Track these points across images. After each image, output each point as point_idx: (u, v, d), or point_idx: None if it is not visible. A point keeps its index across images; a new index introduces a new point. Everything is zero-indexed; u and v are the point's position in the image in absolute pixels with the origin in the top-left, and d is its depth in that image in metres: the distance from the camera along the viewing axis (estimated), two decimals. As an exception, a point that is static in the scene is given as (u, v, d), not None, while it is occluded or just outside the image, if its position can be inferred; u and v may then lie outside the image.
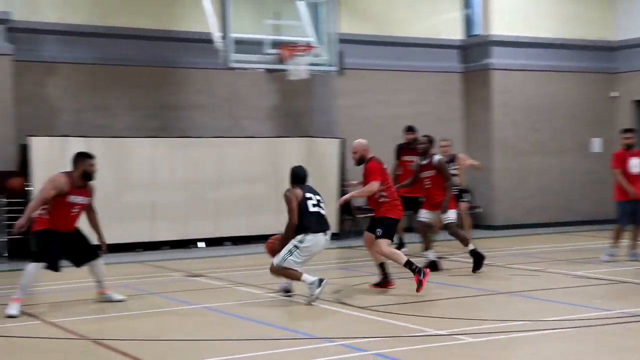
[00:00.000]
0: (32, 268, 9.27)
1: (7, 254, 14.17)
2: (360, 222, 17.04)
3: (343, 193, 16.53)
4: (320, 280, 9.62)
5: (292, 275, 9.80)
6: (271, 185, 15.90)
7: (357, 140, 10.81)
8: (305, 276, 9.66)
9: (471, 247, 11.99)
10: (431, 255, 12.11)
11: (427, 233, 12.25)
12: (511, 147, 18.61)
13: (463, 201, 14.38)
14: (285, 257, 9.71)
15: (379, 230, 10.49)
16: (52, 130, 15.07)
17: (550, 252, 14.48)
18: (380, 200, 10.58)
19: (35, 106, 15.34)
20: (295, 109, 17.57)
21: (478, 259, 11.96)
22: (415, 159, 13.03)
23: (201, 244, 15.63)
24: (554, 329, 8.26)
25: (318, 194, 10.03)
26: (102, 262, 9.84)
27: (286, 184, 10.19)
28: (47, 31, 15.44)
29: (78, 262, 9.73)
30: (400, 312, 9.11)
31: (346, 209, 16.69)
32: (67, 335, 8.31)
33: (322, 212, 9.92)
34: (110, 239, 14.81)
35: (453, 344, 7.67)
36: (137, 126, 16.08)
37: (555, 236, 17.08)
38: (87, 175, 9.48)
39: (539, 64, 18.82)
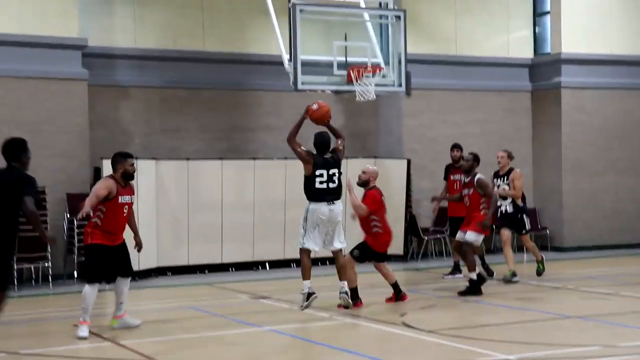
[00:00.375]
0: (88, 290, 9.48)
1: (76, 276, 14.32)
2: (427, 243, 16.94)
3: (409, 214, 16.51)
4: (310, 295, 10.28)
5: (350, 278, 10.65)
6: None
7: (372, 167, 11.54)
8: (305, 283, 10.35)
9: (474, 275, 11.69)
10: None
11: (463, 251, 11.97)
12: (580, 166, 18.25)
13: (525, 234, 13.28)
14: (303, 239, 10.42)
15: (357, 250, 11.05)
16: (124, 153, 15.35)
17: (622, 275, 14.14)
18: (373, 230, 11.07)
19: (109, 130, 15.69)
20: (362, 129, 17.60)
21: (474, 288, 11.66)
22: (461, 177, 12.88)
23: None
24: (627, 355, 8.07)
25: (336, 166, 10.53)
26: (128, 283, 9.81)
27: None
28: (120, 56, 15.80)
29: (111, 279, 9.80)
30: (467, 335, 9.02)
31: (414, 229, 16.60)
32: (134, 357, 8.45)
33: (332, 186, 10.48)
34: (180, 260, 15.26)
35: (520, 370, 7.58)
36: (206, 148, 16.31)
37: (627, 259, 16.63)
38: (128, 175, 9.75)
39: (610, 81, 18.44)
